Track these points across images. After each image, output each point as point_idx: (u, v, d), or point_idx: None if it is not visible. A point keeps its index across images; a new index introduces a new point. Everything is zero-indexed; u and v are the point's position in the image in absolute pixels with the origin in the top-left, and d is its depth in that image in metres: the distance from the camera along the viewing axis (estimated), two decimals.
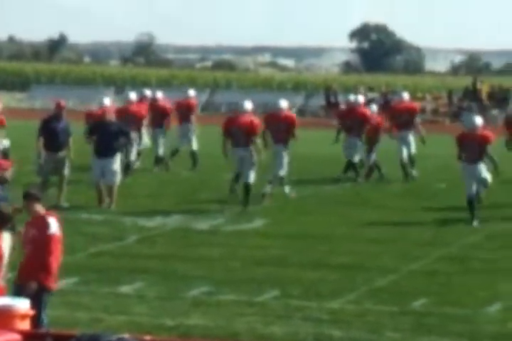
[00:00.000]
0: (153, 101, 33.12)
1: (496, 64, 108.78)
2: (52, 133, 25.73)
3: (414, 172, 31.07)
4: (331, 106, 48.38)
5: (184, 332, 14.67)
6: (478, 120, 26.12)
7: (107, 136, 25.84)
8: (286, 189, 27.54)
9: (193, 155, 32.77)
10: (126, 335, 11.08)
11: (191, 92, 34.50)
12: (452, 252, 21.53)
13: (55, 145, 25.13)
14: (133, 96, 32.61)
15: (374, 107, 32.55)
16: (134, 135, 29.78)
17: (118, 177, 25.96)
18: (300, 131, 29.30)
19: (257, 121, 26.19)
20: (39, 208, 13.46)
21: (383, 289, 17.93)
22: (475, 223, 24.27)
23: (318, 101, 58.07)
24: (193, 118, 33.09)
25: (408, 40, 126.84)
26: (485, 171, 25.48)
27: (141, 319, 15.73)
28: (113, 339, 10.90)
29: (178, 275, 18.48)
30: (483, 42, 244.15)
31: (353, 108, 31.35)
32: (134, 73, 75.18)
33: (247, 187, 25.58)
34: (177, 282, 18.02)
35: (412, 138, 31.01)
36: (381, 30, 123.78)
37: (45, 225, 13.29)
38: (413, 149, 30.88)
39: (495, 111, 54.28)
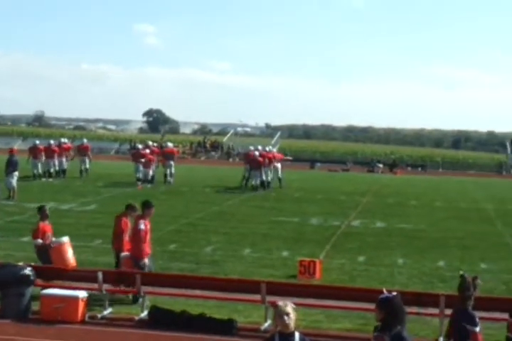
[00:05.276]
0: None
1: (215, 129, 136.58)
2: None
3: (172, 181, 37.03)
4: (131, 149, 54.33)
5: None
6: (255, 148, 37.60)
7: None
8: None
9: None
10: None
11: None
12: (219, 209, 24.67)
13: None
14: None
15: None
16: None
17: None
18: (118, 161, 36.78)
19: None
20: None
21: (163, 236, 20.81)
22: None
23: (126, 147, 70.09)
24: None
25: (172, 117, 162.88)
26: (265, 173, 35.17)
27: None
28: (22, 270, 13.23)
29: None
30: (209, 118, 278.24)
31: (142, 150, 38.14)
32: (32, 130, 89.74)
33: None
34: None
35: (173, 163, 37.17)
36: (158, 111, 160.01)
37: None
38: (173, 169, 37.21)
39: (213, 153, 67.64)
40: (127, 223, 14.85)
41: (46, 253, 14.70)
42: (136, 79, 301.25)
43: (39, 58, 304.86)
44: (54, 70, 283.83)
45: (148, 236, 14.49)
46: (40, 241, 14.93)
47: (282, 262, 18.35)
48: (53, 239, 15.11)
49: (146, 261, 14.42)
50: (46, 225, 15.28)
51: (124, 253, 14.54)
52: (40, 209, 15.51)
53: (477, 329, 8.18)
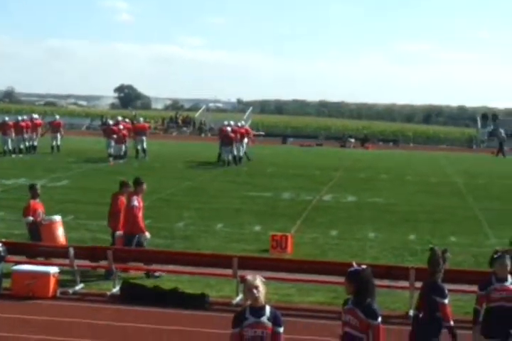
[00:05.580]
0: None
1: (187, 105, 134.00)
2: None
3: (146, 157, 36.83)
4: (103, 125, 53.87)
5: None
6: (228, 124, 37.24)
7: None
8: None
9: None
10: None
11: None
12: (191, 185, 24.60)
13: None
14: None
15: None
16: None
17: None
18: (89, 137, 37.65)
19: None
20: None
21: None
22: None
23: (98, 122, 68.02)
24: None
25: (143, 93, 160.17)
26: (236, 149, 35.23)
27: None
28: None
29: None
30: (181, 93, 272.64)
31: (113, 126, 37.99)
32: (2, 107, 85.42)
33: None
34: None
35: (145, 139, 36.93)
36: (130, 87, 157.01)
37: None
38: (145, 145, 37.17)
39: (185, 129, 67.52)
40: (124, 202, 14.86)
41: (37, 231, 14.78)
42: (107, 55, 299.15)
43: (4, 34, 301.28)
44: (21, 46, 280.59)
45: (141, 213, 14.54)
46: (30, 218, 14.95)
47: (255, 237, 18.41)
48: (45, 216, 15.17)
49: (147, 234, 14.53)
50: (37, 203, 15.29)
51: (119, 232, 14.59)
52: (32, 188, 15.51)
53: (446, 301, 8.26)
